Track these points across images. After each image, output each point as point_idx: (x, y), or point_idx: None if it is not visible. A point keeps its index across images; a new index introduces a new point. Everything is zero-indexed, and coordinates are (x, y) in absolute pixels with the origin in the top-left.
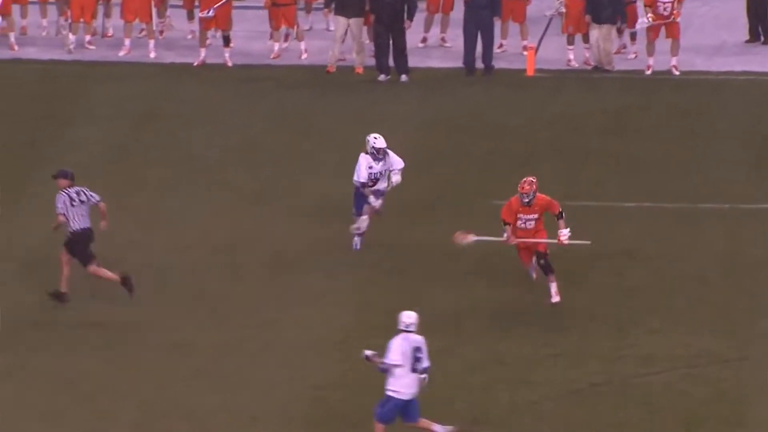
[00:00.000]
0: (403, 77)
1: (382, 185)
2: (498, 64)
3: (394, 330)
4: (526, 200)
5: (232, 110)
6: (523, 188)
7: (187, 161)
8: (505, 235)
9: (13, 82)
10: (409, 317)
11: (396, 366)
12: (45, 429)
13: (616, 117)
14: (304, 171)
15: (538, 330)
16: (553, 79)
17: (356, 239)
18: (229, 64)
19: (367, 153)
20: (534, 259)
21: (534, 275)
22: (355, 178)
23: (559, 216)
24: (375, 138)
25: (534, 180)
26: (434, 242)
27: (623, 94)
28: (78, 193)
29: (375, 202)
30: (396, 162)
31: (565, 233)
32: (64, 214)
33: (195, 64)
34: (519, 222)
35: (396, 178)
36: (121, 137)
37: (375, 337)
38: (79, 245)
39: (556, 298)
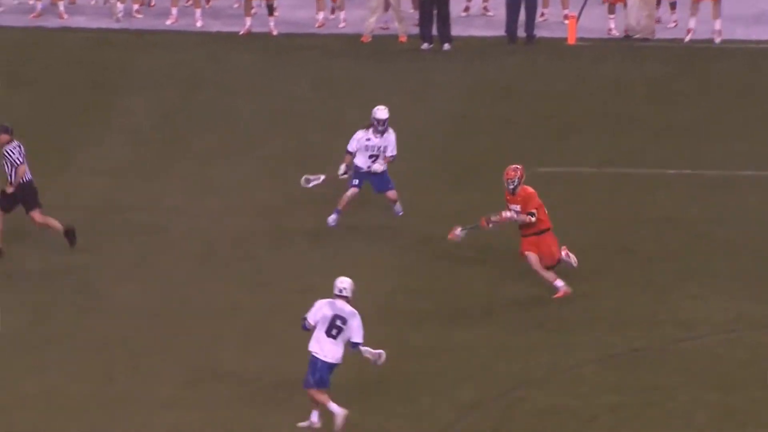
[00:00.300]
0: (446, 46)
1: (379, 166)
2: (539, 32)
3: (436, 294)
4: (510, 187)
5: (277, 78)
6: (507, 174)
7: (232, 128)
8: (484, 219)
9: (63, 51)
10: (341, 282)
11: (306, 324)
12: (93, 389)
13: (656, 85)
14: (347, 138)
15: (578, 294)
16: (594, 48)
17: (334, 216)
18: (274, 32)
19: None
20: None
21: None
22: (348, 147)
23: (529, 215)
24: (378, 108)
25: (519, 167)
26: (475, 209)
27: (664, 62)
28: (20, 146)
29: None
30: (391, 146)
31: (494, 220)
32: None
33: (240, 32)
34: (510, 212)
35: (376, 167)
36: (168, 105)
37: (417, 300)
38: (31, 194)
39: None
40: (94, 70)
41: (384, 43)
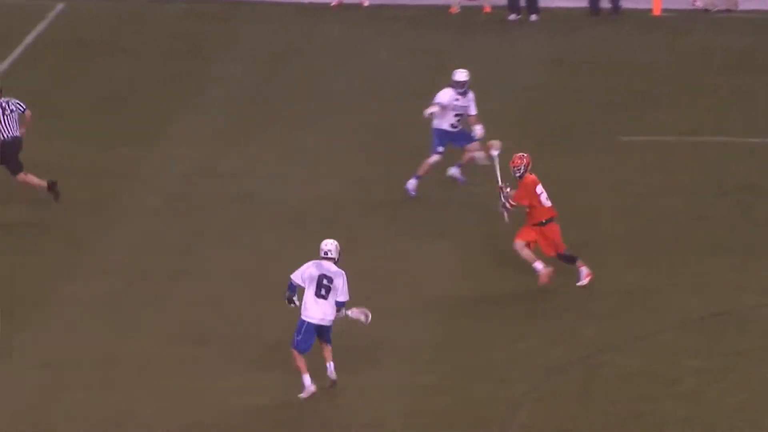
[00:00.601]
0: (534, 17)
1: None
2: (625, 3)
3: (519, 260)
4: (516, 175)
5: (367, 48)
6: (513, 162)
7: (323, 97)
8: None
9: (160, 21)
10: (326, 245)
11: (293, 284)
12: (187, 351)
13: (740, 55)
14: None
15: (663, 261)
16: (679, 19)
17: (413, 182)
18: (365, 3)
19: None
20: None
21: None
22: (436, 99)
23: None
24: (458, 71)
25: (525, 155)
26: (560, 176)
27: (747, 33)
28: (8, 103)
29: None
30: (472, 106)
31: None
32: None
33: (332, 4)
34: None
35: (480, 132)
36: (262, 74)
37: (501, 266)
38: (13, 153)
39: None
40: (191, 41)
41: (471, 14)
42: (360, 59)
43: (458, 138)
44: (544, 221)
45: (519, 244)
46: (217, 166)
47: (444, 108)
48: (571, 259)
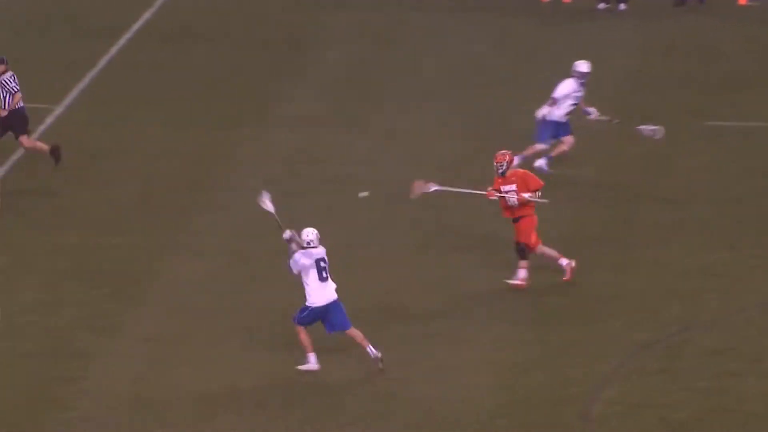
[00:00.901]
0: (622, 6)
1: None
2: None
3: (610, 241)
4: (500, 171)
5: (458, 36)
6: (497, 158)
7: (417, 83)
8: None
9: (261, 10)
10: (307, 235)
11: (294, 270)
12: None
13: None
14: (523, 94)
15: (749, 243)
16: (764, 9)
17: (543, 161)
18: None
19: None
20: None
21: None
22: (556, 93)
23: (536, 191)
24: (581, 62)
25: (507, 152)
26: (647, 159)
27: None
28: (14, 76)
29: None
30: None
31: (527, 196)
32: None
33: None
34: (503, 193)
35: (595, 112)
36: (359, 61)
37: (589, 247)
38: (22, 121)
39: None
40: (290, 28)
41: (561, 3)
42: (451, 47)
43: (563, 129)
44: (519, 217)
45: (538, 248)
46: (314, 150)
47: (560, 100)
48: (523, 254)
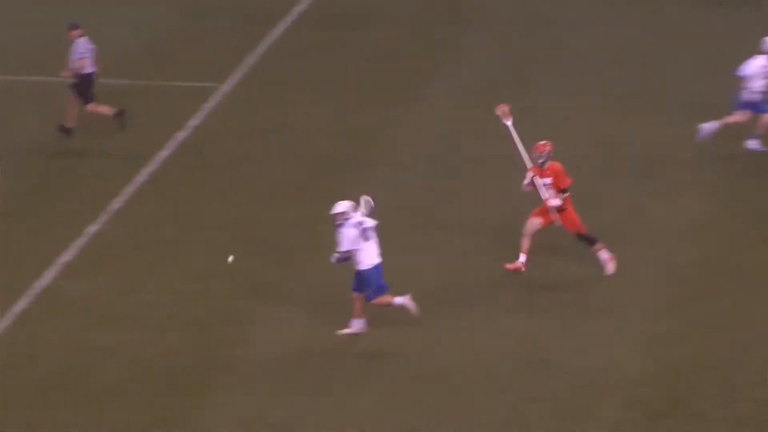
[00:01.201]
0: None
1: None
2: None
3: (757, 219)
4: (540, 161)
5: (612, 18)
6: (537, 149)
7: (571, 63)
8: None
9: None
10: (338, 209)
11: (351, 251)
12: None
13: None
14: (677, 76)
15: None
16: None
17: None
18: None
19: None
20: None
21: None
22: (743, 71)
23: (563, 191)
24: None
25: (548, 143)
26: None
27: None
28: (87, 41)
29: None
30: None
31: (554, 201)
32: (86, 58)
33: None
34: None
35: None
36: (513, 41)
37: (735, 224)
38: (89, 86)
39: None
40: (446, 10)
41: None
42: (605, 29)
43: (762, 105)
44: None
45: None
46: (465, 130)
47: (749, 78)
48: (590, 241)
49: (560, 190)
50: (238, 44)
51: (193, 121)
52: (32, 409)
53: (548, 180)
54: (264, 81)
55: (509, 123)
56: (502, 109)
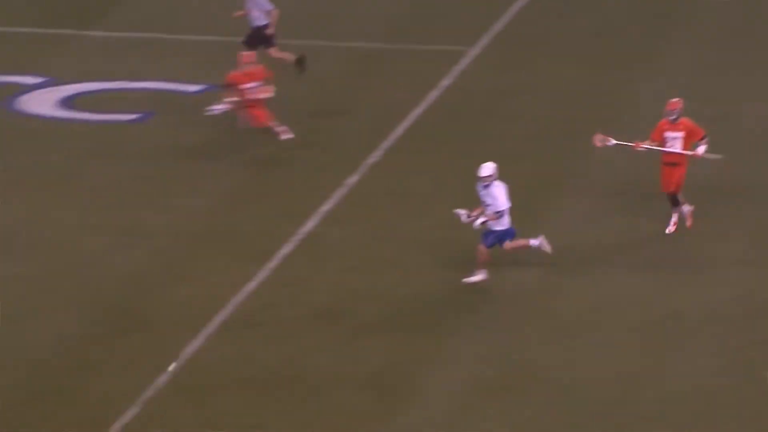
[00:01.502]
0: None
1: None
2: None
3: None
4: (672, 117)
5: None
6: (671, 105)
7: None
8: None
9: None
10: (485, 171)
11: (504, 210)
12: None
13: None
14: None
15: None
16: None
17: None
18: None
19: None
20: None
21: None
22: None
23: (703, 139)
24: None
25: (680, 99)
26: None
27: None
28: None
29: None
30: None
31: (701, 148)
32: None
33: None
34: (666, 142)
35: None
36: (747, 9)
37: None
38: (261, 37)
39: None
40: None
41: None
42: None
43: None
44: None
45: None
46: (702, 93)
47: None
48: (676, 202)
49: (700, 139)
50: (486, 11)
51: (445, 82)
52: (294, 343)
53: (680, 134)
54: (510, 45)
55: (613, 143)
56: (599, 139)
